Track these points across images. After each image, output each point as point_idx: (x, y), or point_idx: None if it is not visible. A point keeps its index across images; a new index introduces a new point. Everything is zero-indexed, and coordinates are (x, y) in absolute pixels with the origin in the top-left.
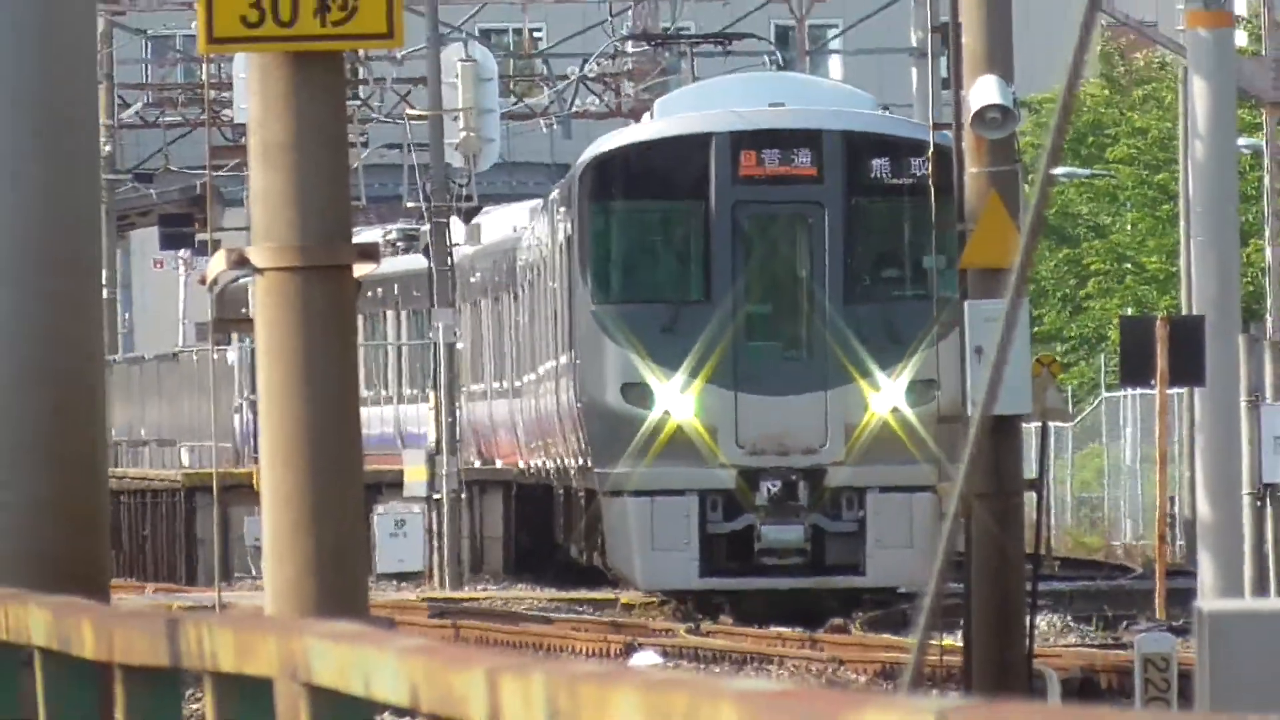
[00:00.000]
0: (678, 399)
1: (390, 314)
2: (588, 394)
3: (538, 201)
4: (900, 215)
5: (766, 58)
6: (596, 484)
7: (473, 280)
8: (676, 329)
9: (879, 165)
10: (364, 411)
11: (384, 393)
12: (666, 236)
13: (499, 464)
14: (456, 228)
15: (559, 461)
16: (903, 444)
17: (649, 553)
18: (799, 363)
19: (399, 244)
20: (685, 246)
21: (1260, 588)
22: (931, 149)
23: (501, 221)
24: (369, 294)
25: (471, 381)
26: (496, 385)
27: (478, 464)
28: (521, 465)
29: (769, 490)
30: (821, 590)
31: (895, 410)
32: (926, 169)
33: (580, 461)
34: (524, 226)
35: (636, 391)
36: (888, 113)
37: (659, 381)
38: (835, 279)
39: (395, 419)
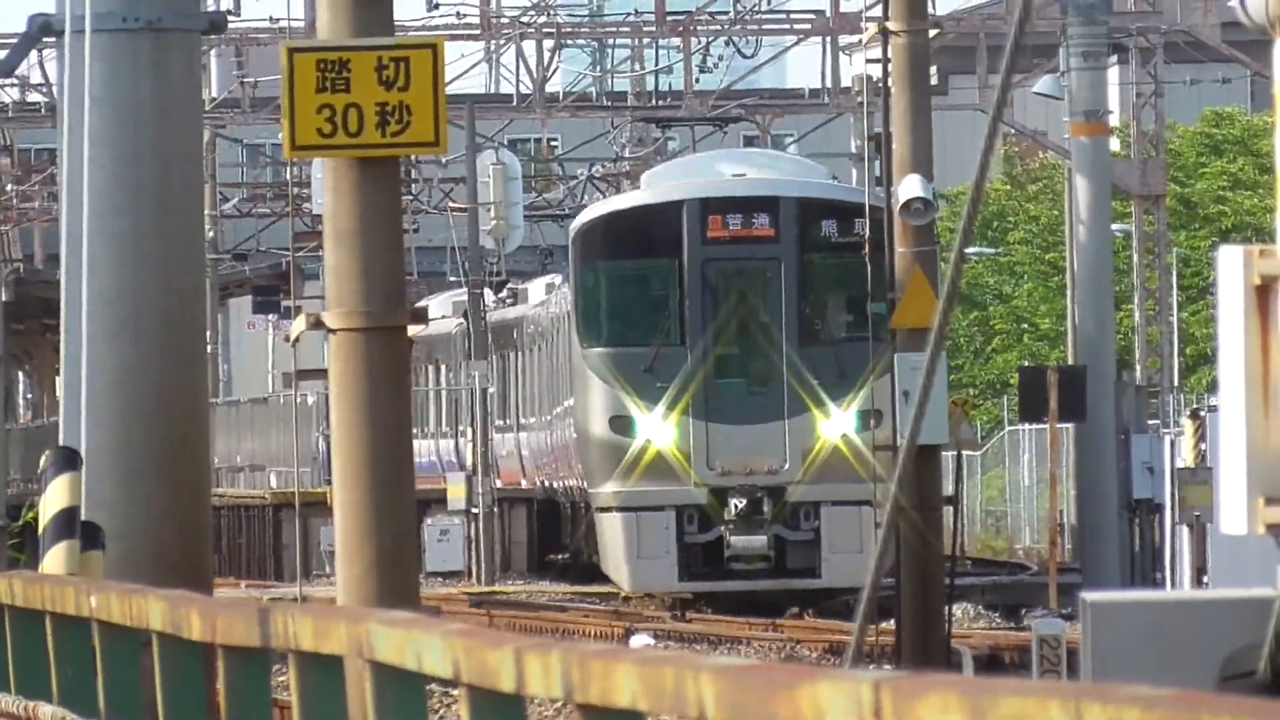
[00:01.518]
0: (658, 429)
1: (429, 367)
2: (581, 425)
3: (558, 276)
4: (846, 269)
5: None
6: (590, 502)
7: (510, 337)
8: (655, 369)
9: (828, 226)
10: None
11: (426, 429)
12: (646, 290)
13: (523, 484)
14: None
15: (564, 483)
16: (851, 465)
17: (635, 560)
18: (761, 396)
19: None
20: (662, 298)
21: (1130, 581)
22: (869, 213)
23: (538, 290)
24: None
25: (505, 416)
26: (524, 420)
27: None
28: (546, 485)
29: (736, 506)
30: (782, 591)
31: (845, 436)
32: (866, 230)
33: (580, 483)
34: (546, 297)
35: (622, 423)
36: (836, 181)
37: (641, 414)
38: (791, 324)
39: (436, 450)
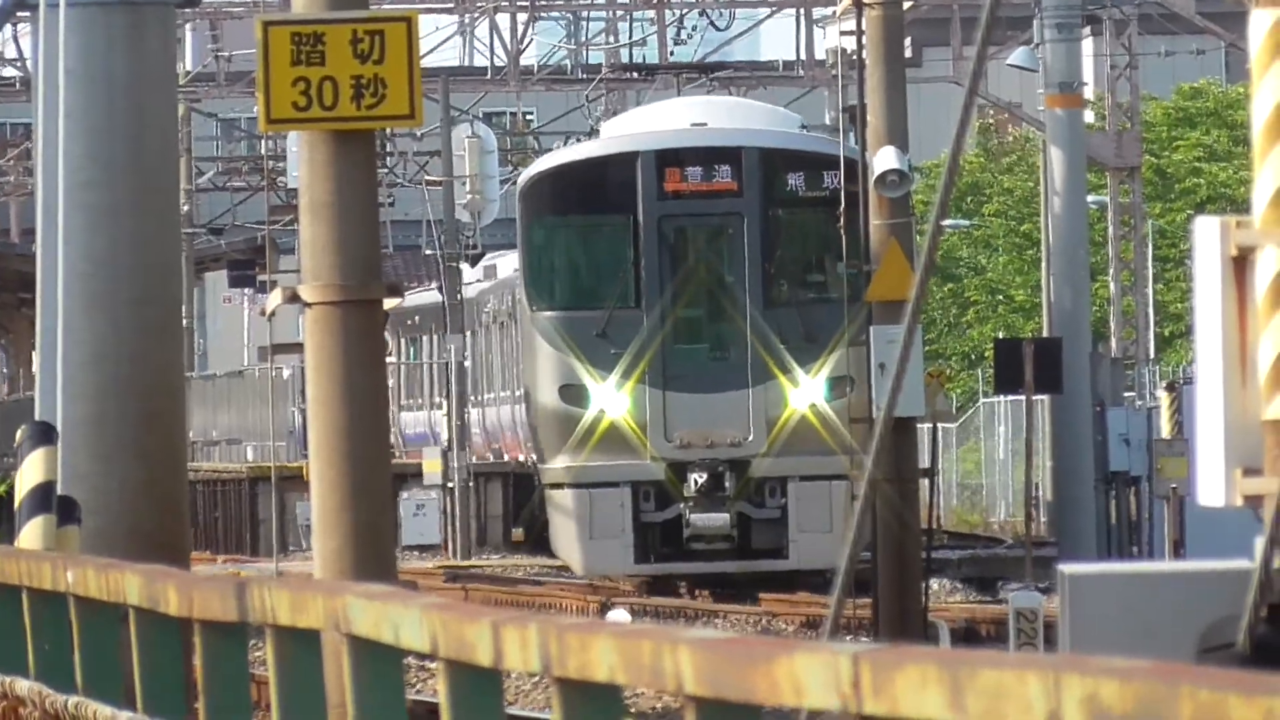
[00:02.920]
0: (611, 398)
1: (425, 338)
2: (529, 395)
3: None
4: (815, 225)
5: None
6: (539, 477)
7: (485, 310)
8: (609, 334)
9: (795, 179)
10: (408, 415)
11: (419, 400)
12: (599, 248)
13: (505, 458)
14: (466, 270)
15: (531, 457)
16: (820, 436)
17: (588, 541)
18: (723, 362)
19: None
20: (617, 257)
21: (1107, 554)
22: (843, 163)
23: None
24: (408, 321)
25: (485, 391)
26: (490, 395)
27: (490, 458)
28: (518, 459)
29: (697, 481)
30: (747, 574)
31: (813, 405)
32: (838, 182)
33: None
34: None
35: (573, 392)
36: (805, 131)
37: (594, 382)
38: (755, 285)
39: (428, 421)
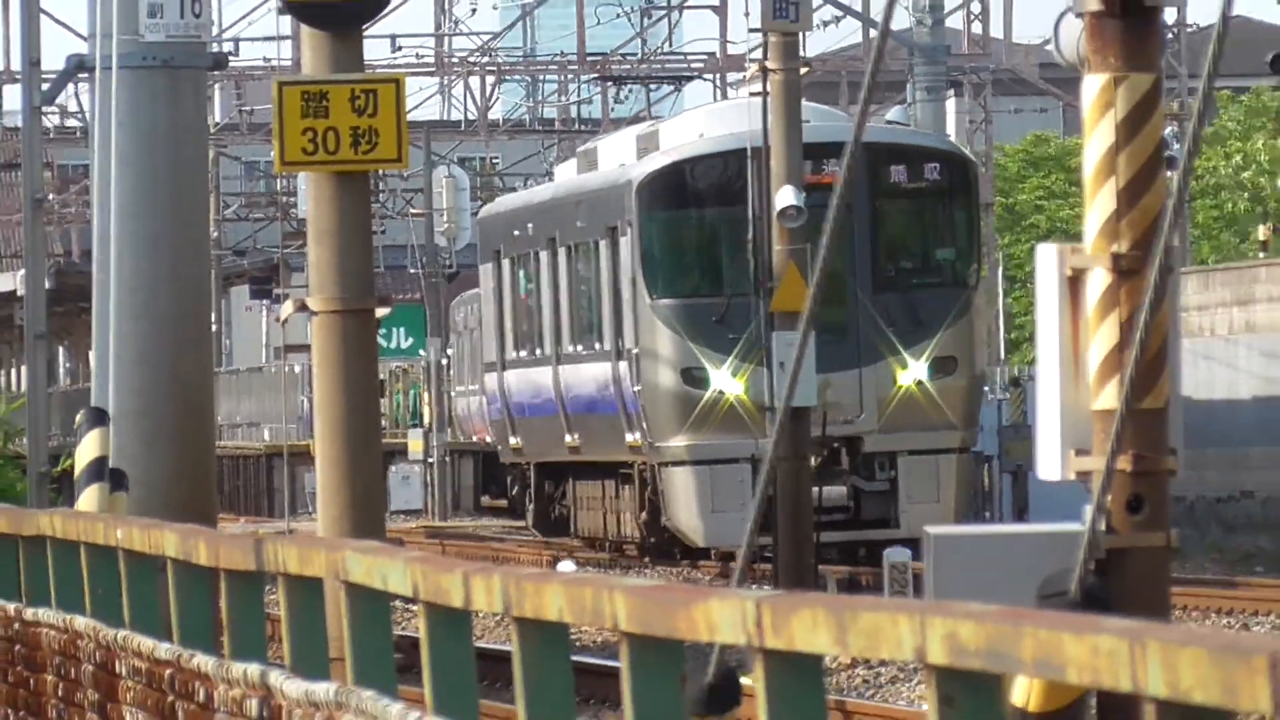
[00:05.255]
0: (730, 380)
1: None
2: (648, 378)
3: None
4: (917, 214)
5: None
6: (655, 457)
7: (458, 319)
8: (727, 319)
9: (898, 171)
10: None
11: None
12: (715, 239)
13: (475, 439)
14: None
15: (485, 439)
16: (926, 412)
17: (709, 514)
18: (837, 345)
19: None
20: (732, 247)
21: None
22: (945, 157)
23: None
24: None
25: (457, 384)
26: (460, 389)
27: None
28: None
29: (816, 457)
30: (859, 542)
31: (920, 383)
32: (939, 174)
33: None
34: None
35: (694, 375)
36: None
37: (713, 366)
38: (864, 272)
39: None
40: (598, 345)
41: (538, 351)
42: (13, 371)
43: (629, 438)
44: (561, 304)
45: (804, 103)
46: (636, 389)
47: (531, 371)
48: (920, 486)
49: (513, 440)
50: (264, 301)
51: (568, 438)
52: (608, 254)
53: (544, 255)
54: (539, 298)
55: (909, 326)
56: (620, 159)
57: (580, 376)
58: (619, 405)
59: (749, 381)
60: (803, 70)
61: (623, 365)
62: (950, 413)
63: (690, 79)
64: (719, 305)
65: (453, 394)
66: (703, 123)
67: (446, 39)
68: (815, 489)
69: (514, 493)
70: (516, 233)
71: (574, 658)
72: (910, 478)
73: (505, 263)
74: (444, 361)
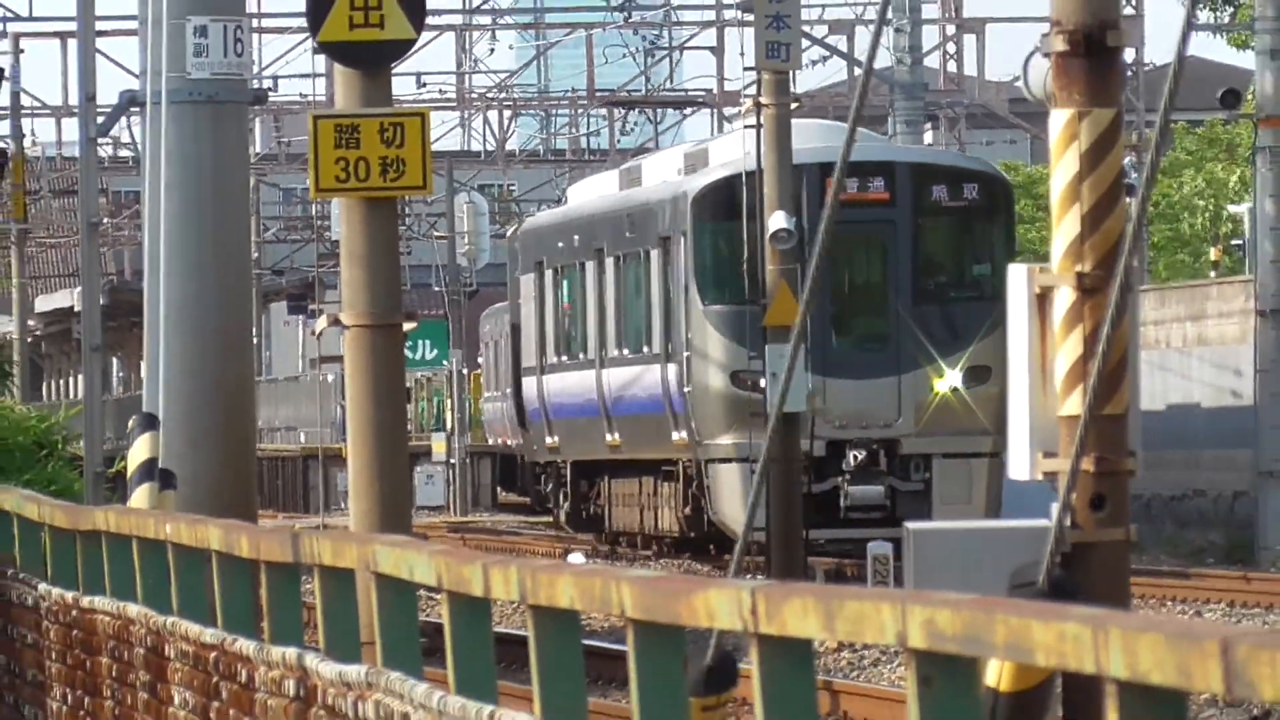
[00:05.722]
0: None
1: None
2: (698, 379)
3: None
4: (956, 231)
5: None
6: (702, 454)
7: (485, 331)
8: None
9: (939, 191)
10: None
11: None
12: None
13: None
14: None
15: (506, 441)
16: (962, 419)
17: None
18: (877, 353)
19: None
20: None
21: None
22: (983, 179)
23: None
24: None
25: (486, 390)
26: (488, 393)
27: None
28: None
29: (855, 457)
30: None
31: (955, 390)
32: (978, 194)
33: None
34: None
35: (742, 377)
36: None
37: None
38: (904, 284)
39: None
40: (645, 349)
41: (580, 355)
42: (70, 380)
43: (675, 436)
44: (607, 310)
45: (833, 123)
46: (687, 389)
47: (572, 375)
48: (953, 488)
49: (549, 440)
50: (300, 316)
51: (609, 437)
52: (659, 262)
53: (590, 265)
54: (583, 304)
55: (946, 337)
56: (665, 175)
57: (624, 378)
58: (665, 405)
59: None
60: (793, 105)
61: (672, 367)
62: (984, 419)
63: (693, 104)
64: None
65: (482, 401)
66: (749, 142)
67: (467, 76)
68: (852, 488)
69: (547, 490)
70: (560, 244)
71: (584, 642)
72: (944, 479)
73: (548, 273)
74: (464, 371)
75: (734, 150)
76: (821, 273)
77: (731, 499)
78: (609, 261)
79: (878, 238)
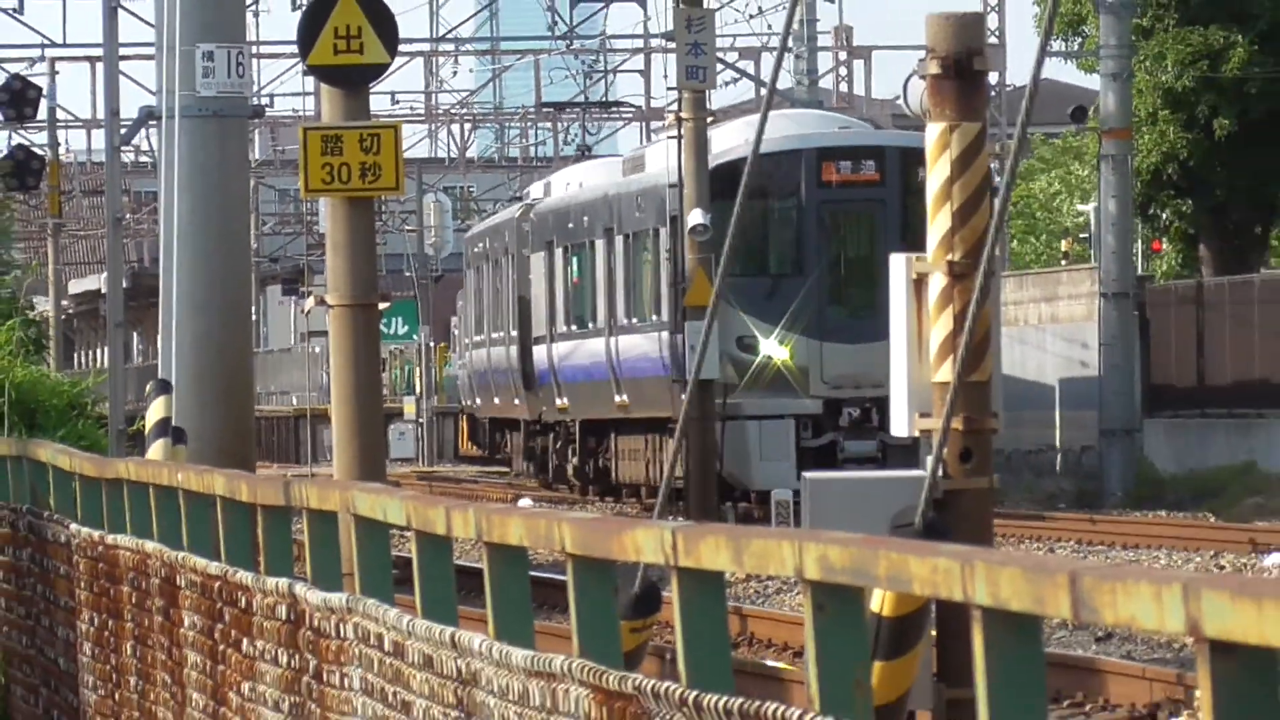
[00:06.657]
0: (778, 348)
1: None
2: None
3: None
4: None
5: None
6: (720, 411)
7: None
8: (776, 296)
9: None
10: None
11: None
12: (768, 226)
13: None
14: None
15: (473, 401)
16: None
17: (759, 462)
18: (869, 319)
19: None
20: (783, 235)
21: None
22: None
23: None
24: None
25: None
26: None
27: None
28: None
29: (850, 414)
30: None
31: None
32: None
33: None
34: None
35: (747, 342)
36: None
37: (763, 335)
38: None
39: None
40: (654, 317)
41: (590, 324)
42: (98, 352)
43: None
44: (617, 282)
45: (825, 112)
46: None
47: (582, 343)
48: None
49: (559, 401)
50: (292, 297)
51: (617, 398)
52: (668, 239)
53: (599, 243)
54: (593, 278)
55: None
56: (668, 162)
57: (633, 345)
58: (673, 369)
59: (793, 349)
60: (709, 119)
61: (679, 335)
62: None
63: (620, 104)
64: (768, 282)
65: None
66: (747, 130)
67: (434, 95)
68: (848, 442)
69: (555, 448)
70: (570, 225)
71: (531, 573)
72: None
73: (559, 251)
74: (431, 344)
75: (734, 138)
76: (818, 246)
77: (739, 454)
78: (619, 239)
79: (869, 215)
